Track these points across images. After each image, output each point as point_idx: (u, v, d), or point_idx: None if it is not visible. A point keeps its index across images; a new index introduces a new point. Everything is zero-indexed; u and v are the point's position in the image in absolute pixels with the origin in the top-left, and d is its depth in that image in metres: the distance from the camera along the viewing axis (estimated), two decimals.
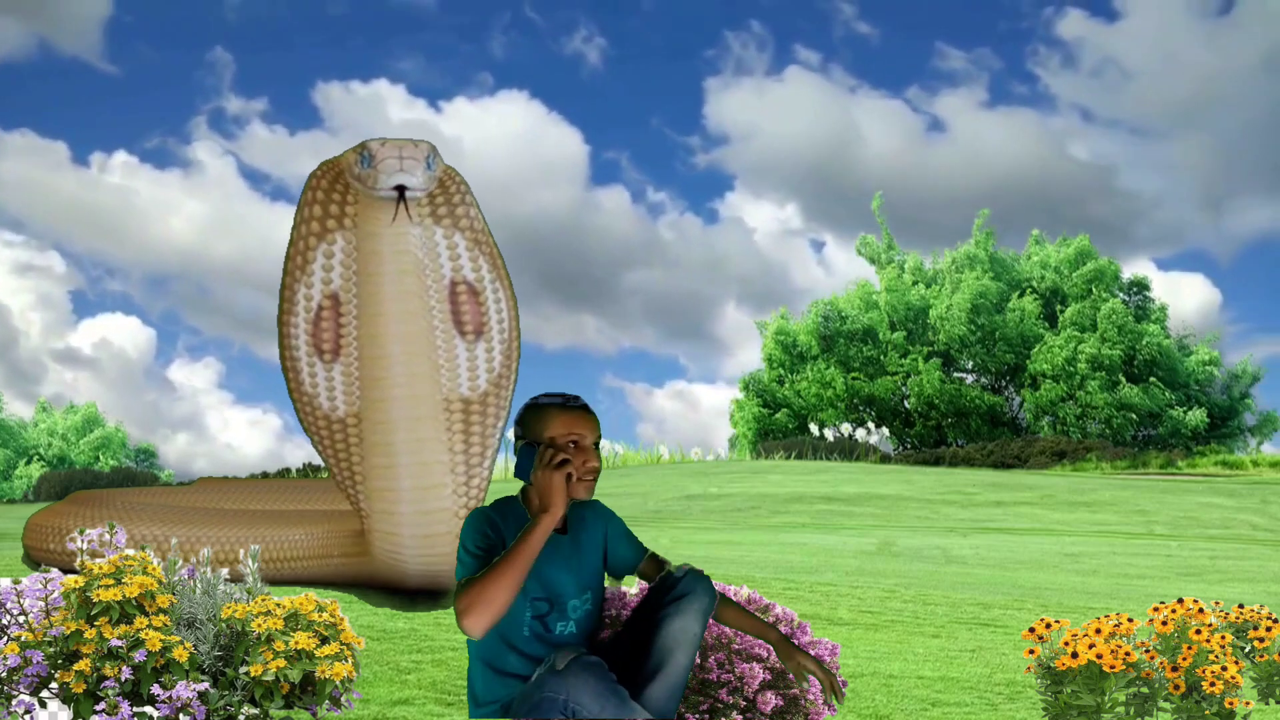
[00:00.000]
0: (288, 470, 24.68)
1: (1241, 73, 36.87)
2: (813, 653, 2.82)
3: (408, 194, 3.50)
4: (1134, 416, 30.32)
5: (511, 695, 2.30)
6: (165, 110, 39.49)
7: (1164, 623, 3.10)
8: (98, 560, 2.62)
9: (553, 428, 2.29)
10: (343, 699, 2.61)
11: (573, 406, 2.31)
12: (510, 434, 2.78)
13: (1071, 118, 38.44)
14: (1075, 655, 2.84)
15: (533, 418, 2.31)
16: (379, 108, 36.71)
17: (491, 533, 2.25)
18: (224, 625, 2.63)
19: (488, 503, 3.16)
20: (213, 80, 38.10)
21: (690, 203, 40.31)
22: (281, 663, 2.51)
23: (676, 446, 26.93)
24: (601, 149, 40.02)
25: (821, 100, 37.66)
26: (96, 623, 2.50)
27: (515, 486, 2.41)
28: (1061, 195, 37.39)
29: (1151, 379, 30.90)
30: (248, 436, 38.82)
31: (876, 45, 38.80)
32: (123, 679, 2.45)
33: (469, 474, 4.02)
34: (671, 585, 2.36)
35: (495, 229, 3.94)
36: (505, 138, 37.20)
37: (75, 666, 2.47)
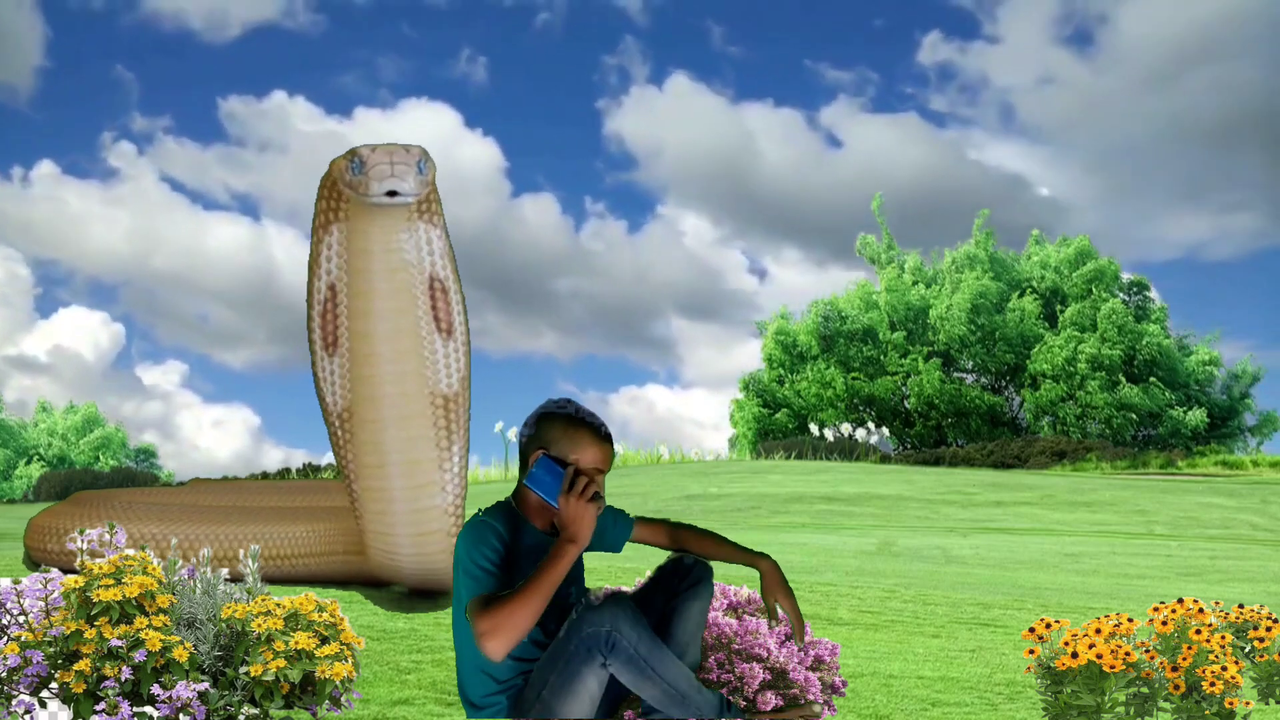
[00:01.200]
0: (287, 471, 24.69)
1: (1120, 93, 38.42)
2: (812, 653, 2.82)
3: (399, 200, 3.44)
4: (1134, 416, 30.31)
5: (507, 690, 2.31)
6: (82, 126, 40.53)
7: (1164, 623, 3.10)
8: (98, 560, 2.62)
9: (585, 453, 2.27)
10: (343, 699, 2.61)
11: (606, 439, 2.30)
12: (511, 434, 2.78)
13: (966, 131, 40.12)
14: (1075, 655, 2.84)
15: (563, 431, 2.28)
16: (285, 121, 38.02)
17: (501, 546, 2.22)
18: (224, 625, 2.63)
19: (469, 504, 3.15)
20: (120, 98, 39.22)
21: (615, 213, 41.28)
22: (281, 663, 2.51)
23: (675, 446, 26.96)
24: (517, 163, 41.05)
25: (715, 116, 38.90)
26: (96, 623, 2.50)
27: (495, 487, 2.42)
28: (971, 203, 38.27)
29: (1151, 379, 30.90)
30: (215, 438, 39.07)
31: (757, 64, 40.41)
32: (123, 679, 2.45)
33: (454, 471, 4.03)
34: (685, 572, 2.41)
35: None
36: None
37: (75, 666, 2.47)
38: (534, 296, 38.61)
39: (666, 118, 38.66)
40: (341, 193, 3.72)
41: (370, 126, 38.41)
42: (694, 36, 40.33)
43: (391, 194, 3.40)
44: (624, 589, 2.41)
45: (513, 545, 2.25)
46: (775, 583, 2.47)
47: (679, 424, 39.81)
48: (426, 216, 3.81)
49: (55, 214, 37.34)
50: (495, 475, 22.69)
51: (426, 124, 37.92)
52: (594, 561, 5.50)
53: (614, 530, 2.48)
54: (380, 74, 40.50)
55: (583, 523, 2.19)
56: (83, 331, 37.78)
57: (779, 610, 2.48)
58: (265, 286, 38.63)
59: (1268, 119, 37.05)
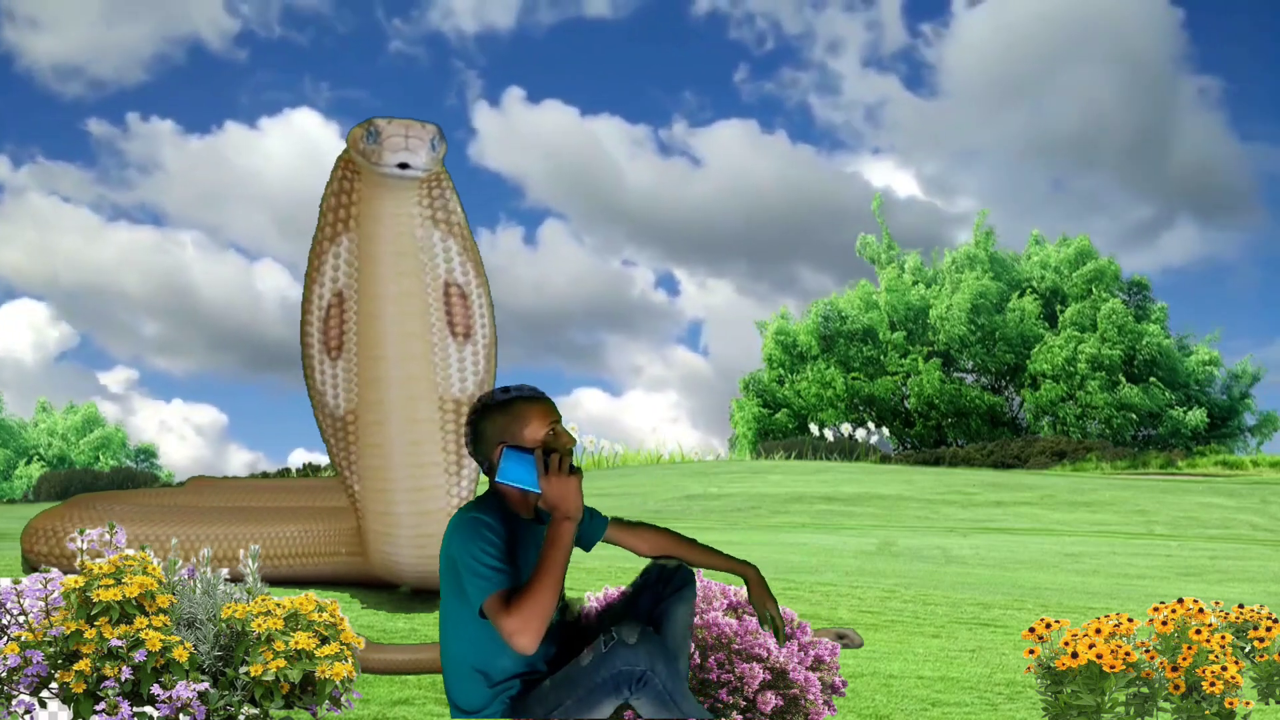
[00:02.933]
0: (287, 470, 24.68)
1: (950, 113, 39.64)
2: (812, 653, 2.83)
3: (409, 172, 3.52)
4: (1134, 416, 30.30)
5: (501, 693, 2.30)
6: None
7: (1164, 623, 3.10)
8: (98, 560, 2.62)
9: (534, 424, 2.27)
10: (343, 699, 2.61)
11: (542, 397, 2.31)
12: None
13: (821, 149, 41.06)
14: (1075, 655, 2.84)
15: (506, 417, 2.27)
16: (155, 143, 38.63)
17: (498, 539, 2.22)
18: (224, 625, 2.63)
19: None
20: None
21: (508, 227, 41.54)
22: (281, 663, 2.51)
23: (676, 446, 26.95)
24: None
25: (570, 137, 39.24)
26: (96, 623, 2.50)
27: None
28: (842, 216, 38.91)
29: (1151, 379, 30.89)
30: (170, 444, 39.21)
31: (598, 89, 41.22)
32: (123, 679, 2.45)
33: (460, 475, 4.03)
34: (670, 577, 2.43)
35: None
36: (295, 158, 38.17)
37: (75, 666, 2.47)
38: None
39: (525, 141, 39.54)
40: (352, 182, 3.77)
41: (240, 141, 39.41)
42: (529, 63, 41.12)
43: (403, 166, 3.48)
44: (612, 592, 2.41)
45: (509, 537, 2.24)
46: (764, 589, 2.49)
47: (619, 428, 40.39)
48: (445, 225, 3.87)
49: None
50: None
51: (298, 139, 38.53)
52: (594, 561, 5.49)
53: (589, 526, 2.47)
54: (238, 101, 41.43)
55: (571, 497, 2.19)
56: (28, 333, 38.00)
57: (768, 615, 2.50)
58: (183, 293, 39.11)
59: (1113, 133, 37.95)
